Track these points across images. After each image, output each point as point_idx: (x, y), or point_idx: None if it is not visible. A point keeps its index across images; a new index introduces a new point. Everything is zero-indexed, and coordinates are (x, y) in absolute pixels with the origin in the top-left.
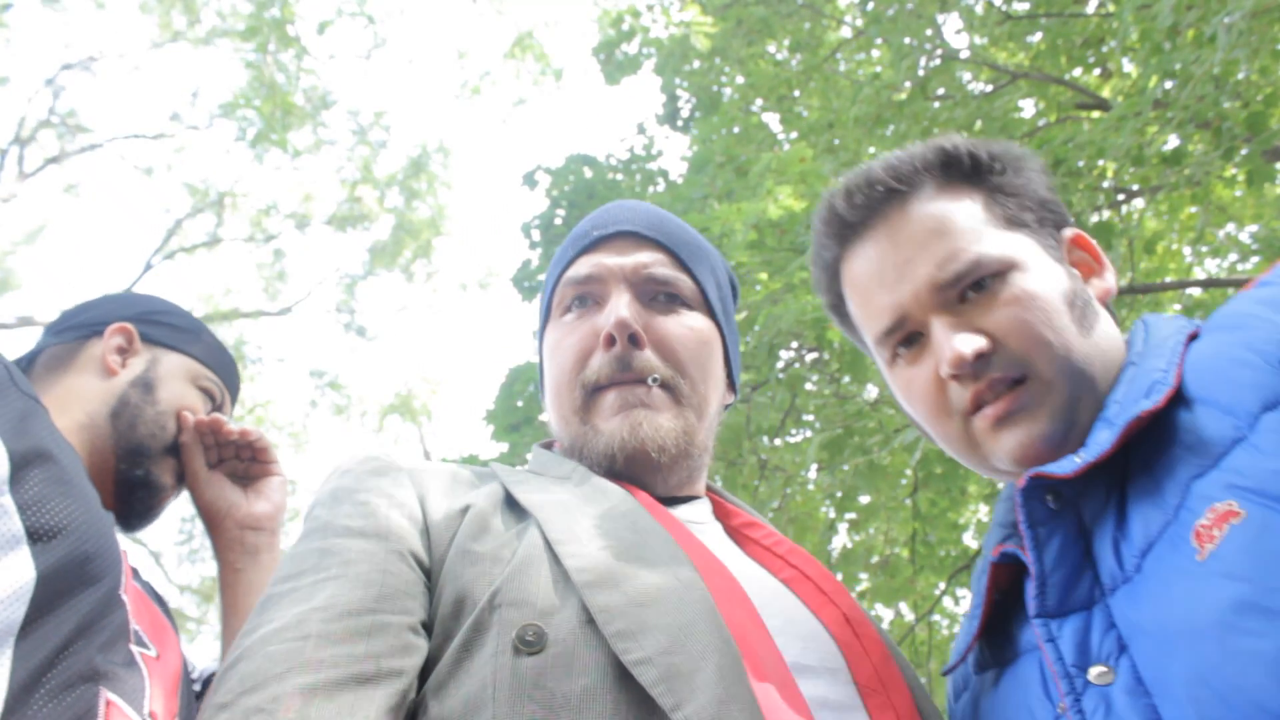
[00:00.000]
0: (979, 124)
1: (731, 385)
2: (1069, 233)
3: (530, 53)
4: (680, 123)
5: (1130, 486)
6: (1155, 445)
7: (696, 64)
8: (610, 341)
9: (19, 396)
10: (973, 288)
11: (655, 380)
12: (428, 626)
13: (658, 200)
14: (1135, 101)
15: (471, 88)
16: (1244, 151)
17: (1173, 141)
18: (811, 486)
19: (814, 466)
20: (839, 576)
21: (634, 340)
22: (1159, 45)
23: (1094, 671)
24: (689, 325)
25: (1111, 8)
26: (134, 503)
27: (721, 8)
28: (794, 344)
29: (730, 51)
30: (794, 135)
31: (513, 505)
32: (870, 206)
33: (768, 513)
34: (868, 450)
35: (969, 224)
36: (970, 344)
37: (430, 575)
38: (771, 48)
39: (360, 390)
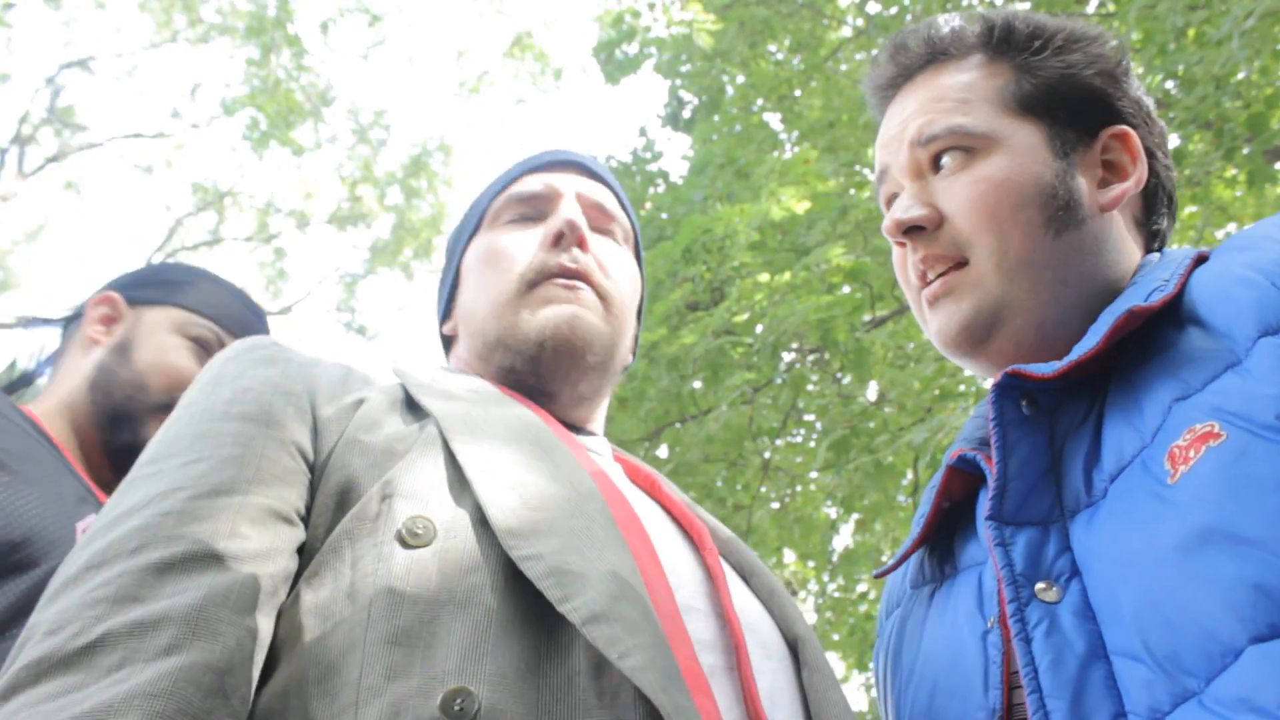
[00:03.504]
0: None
1: (634, 338)
2: (1113, 129)
3: (530, 52)
4: (681, 123)
5: (1109, 408)
6: (1142, 366)
7: (698, 64)
8: (557, 239)
9: None
10: (950, 161)
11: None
12: (304, 519)
13: (658, 201)
14: None
15: (471, 87)
16: (1245, 151)
17: (1173, 142)
18: (814, 487)
19: (816, 468)
20: (840, 578)
21: (580, 245)
22: (1164, 46)
23: (1040, 586)
24: (623, 258)
25: (1112, 7)
26: (126, 468)
27: (722, 8)
28: (796, 345)
29: (732, 52)
30: (795, 135)
31: (412, 405)
32: (904, 69)
33: (770, 513)
34: (874, 449)
35: (971, 95)
36: (906, 212)
37: (314, 470)
38: (772, 47)
39: None
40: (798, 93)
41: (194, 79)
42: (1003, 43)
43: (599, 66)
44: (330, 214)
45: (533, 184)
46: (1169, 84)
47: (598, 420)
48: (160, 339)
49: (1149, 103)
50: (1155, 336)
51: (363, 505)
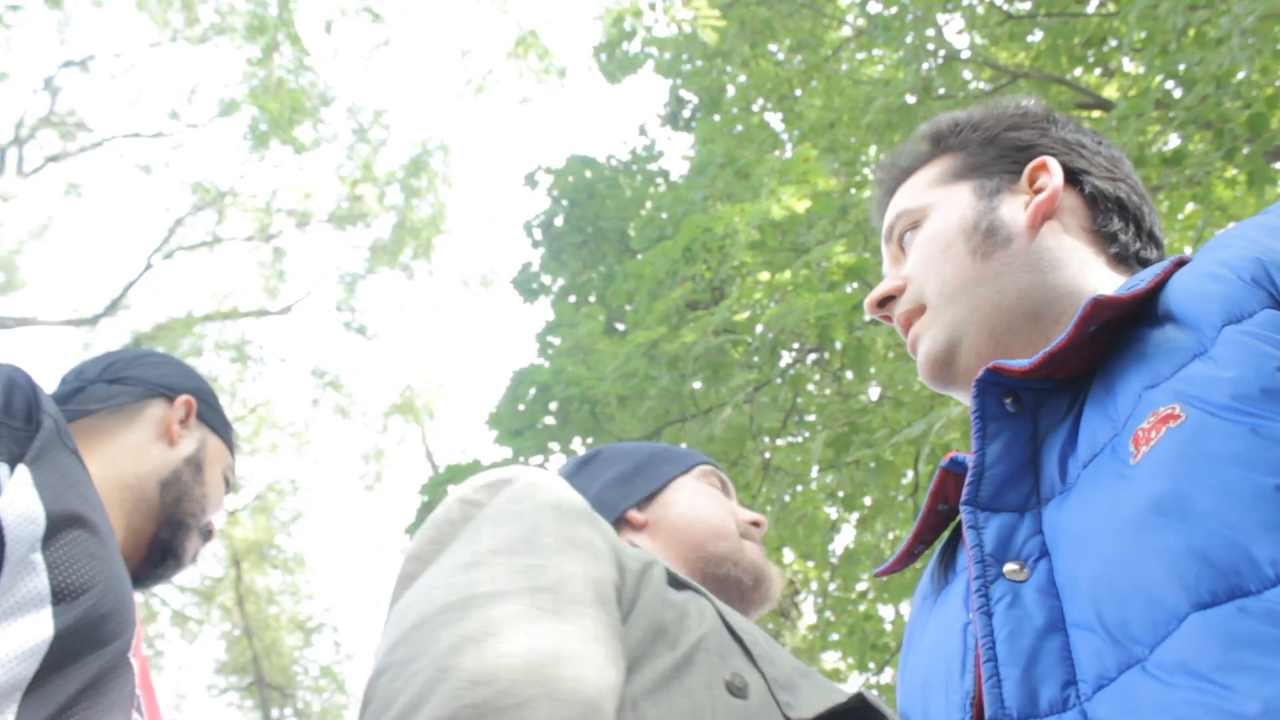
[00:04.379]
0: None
1: None
2: (1035, 162)
3: (533, 51)
4: (681, 123)
5: (1089, 402)
6: (1121, 359)
7: (699, 63)
8: (754, 525)
9: (64, 454)
10: (908, 245)
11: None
12: None
13: (658, 201)
14: (1138, 102)
15: (475, 86)
16: (1245, 151)
17: (1174, 142)
18: (815, 486)
19: (816, 466)
20: (840, 578)
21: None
22: (1165, 46)
23: (1009, 567)
24: None
25: (1112, 7)
26: (160, 568)
27: (724, 7)
28: (796, 344)
29: (733, 52)
30: (795, 135)
31: (675, 582)
32: (884, 191)
33: (771, 513)
34: (873, 446)
35: (921, 182)
36: (877, 289)
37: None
38: (773, 47)
39: (362, 390)
40: (798, 92)
41: (194, 78)
42: (941, 141)
43: (599, 66)
44: (330, 213)
45: (711, 477)
46: (1169, 84)
47: None
48: (217, 472)
49: (1086, 138)
50: (1134, 335)
51: (688, 650)
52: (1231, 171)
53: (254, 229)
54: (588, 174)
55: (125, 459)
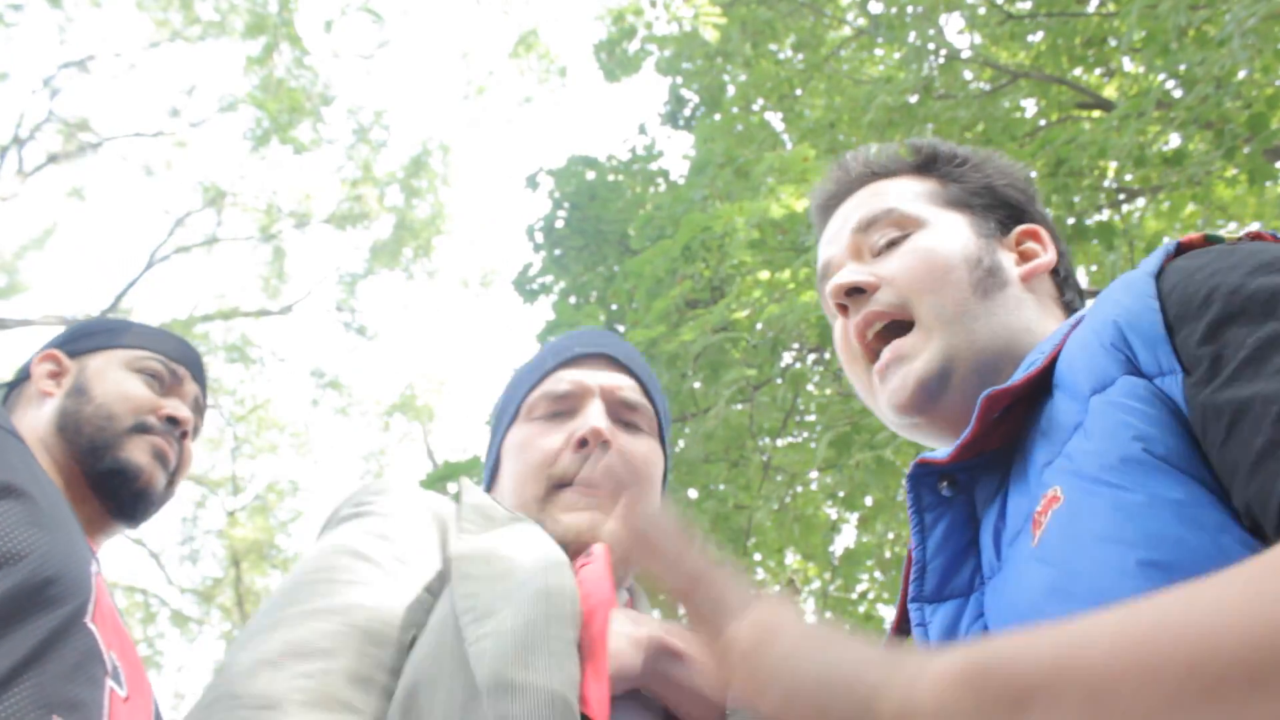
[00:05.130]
0: (981, 124)
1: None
2: (1023, 226)
3: (534, 51)
4: (682, 122)
5: (1012, 478)
6: (1031, 434)
7: (699, 62)
8: (581, 444)
9: None
10: (886, 245)
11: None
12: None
13: (658, 201)
14: (1138, 102)
15: (476, 87)
16: (1245, 151)
17: (1174, 141)
18: (815, 487)
19: (817, 467)
20: (841, 578)
21: (604, 445)
22: (1166, 46)
23: None
24: (647, 448)
25: (1112, 7)
26: (119, 493)
27: (725, 6)
28: (796, 344)
29: (734, 52)
30: (796, 135)
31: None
32: (843, 186)
33: (772, 512)
34: (875, 447)
35: (909, 191)
36: (848, 276)
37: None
38: (773, 46)
39: (362, 390)
40: (798, 92)
41: (194, 78)
42: (929, 162)
43: (600, 65)
44: (330, 214)
45: (562, 383)
46: (1170, 83)
47: (625, 581)
48: (113, 374)
49: (1052, 225)
50: (1038, 405)
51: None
52: (1232, 171)
53: (254, 229)
54: (589, 174)
55: (31, 430)
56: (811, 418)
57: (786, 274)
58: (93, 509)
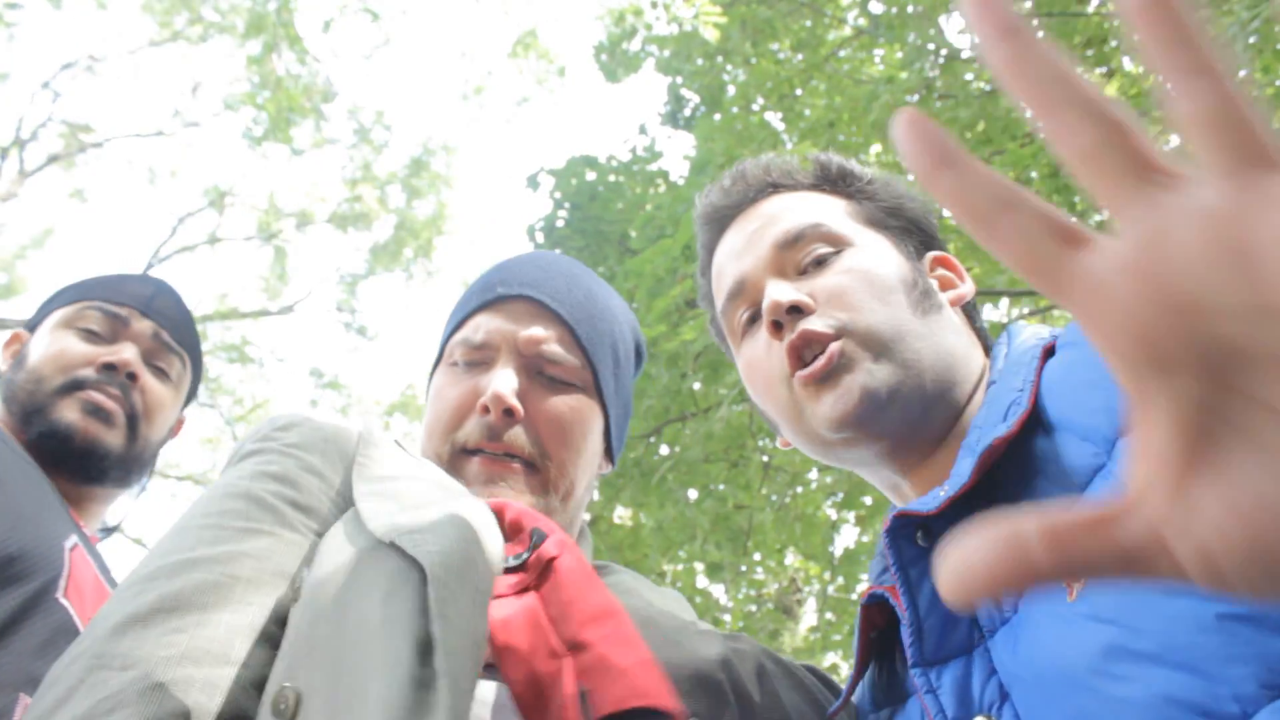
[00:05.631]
0: (981, 124)
1: (609, 457)
2: (934, 254)
3: (533, 50)
4: (682, 122)
5: None
6: (1021, 475)
7: (698, 62)
8: (485, 409)
9: None
10: (813, 264)
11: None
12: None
13: (659, 201)
14: (1139, 102)
15: (476, 87)
16: None
17: (1174, 142)
18: (815, 487)
19: (816, 467)
20: (840, 578)
21: (509, 414)
22: None
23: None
24: (570, 406)
25: (1113, 7)
26: (63, 457)
27: (726, 6)
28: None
29: (734, 52)
30: (796, 135)
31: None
32: (744, 195)
33: (771, 513)
34: None
35: (825, 207)
36: (786, 293)
37: None
38: (773, 46)
39: (362, 390)
40: (798, 92)
41: (195, 77)
42: (834, 179)
43: (600, 65)
44: (331, 214)
45: (478, 332)
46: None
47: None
48: (47, 337)
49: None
50: (1027, 448)
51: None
52: None
53: (254, 229)
54: (589, 174)
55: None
56: None
57: None
58: (58, 479)
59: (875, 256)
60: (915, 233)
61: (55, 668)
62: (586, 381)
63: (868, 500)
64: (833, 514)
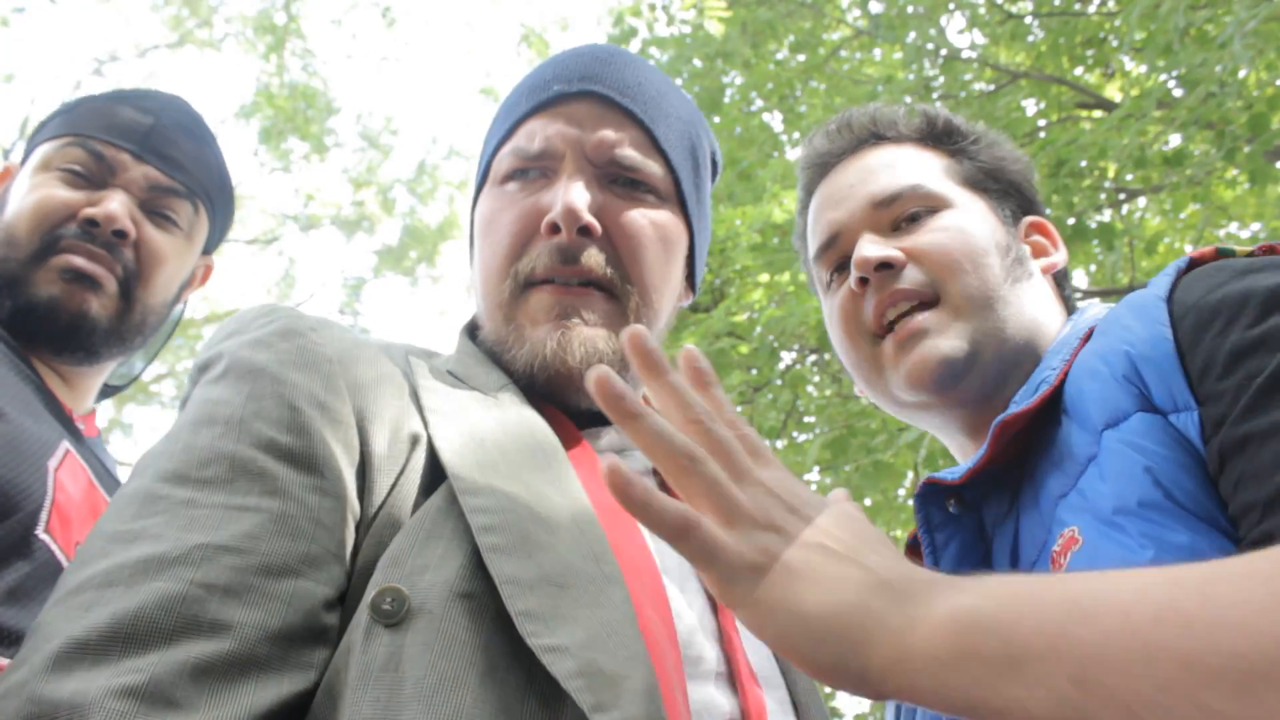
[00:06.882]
0: (981, 124)
1: (691, 285)
2: (1030, 218)
3: (537, 51)
4: None
5: (1022, 502)
6: (1041, 457)
7: (698, 64)
8: (554, 229)
9: None
10: (908, 220)
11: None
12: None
13: None
14: (1139, 102)
15: (481, 89)
16: (1246, 151)
17: (1175, 141)
18: (814, 488)
19: (816, 468)
20: None
21: (584, 232)
22: (1167, 46)
23: None
24: (652, 221)
25: (1113, 6)
26: (48, 335)
27: (727, 6)
28: (796, 346)
29: (734, 53)
30: (796, 136)
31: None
32: (848, 143)
33: None
34: (872, 450)
35: (925, 165)
36: (877, 250)
37: (359, 528)
38: (772, 46)
39: None
40: (798, 92)
41: (203, 80)
42: (939, 134)
43: None
44: (336, 217)
45: (535, 140)
46: (1171, 84)
47: None
48: (25, 183)
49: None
50: (1048, 427)
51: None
52: (1233, 172)
53: (259, 232)
54: None
55: None
56: (811, 419)
57: (786, 277)
58: (40, 355)
59: (971, 218)
60: (1014, 196)
61: None
62: (669, 190)
63: (868, 501)
64: None
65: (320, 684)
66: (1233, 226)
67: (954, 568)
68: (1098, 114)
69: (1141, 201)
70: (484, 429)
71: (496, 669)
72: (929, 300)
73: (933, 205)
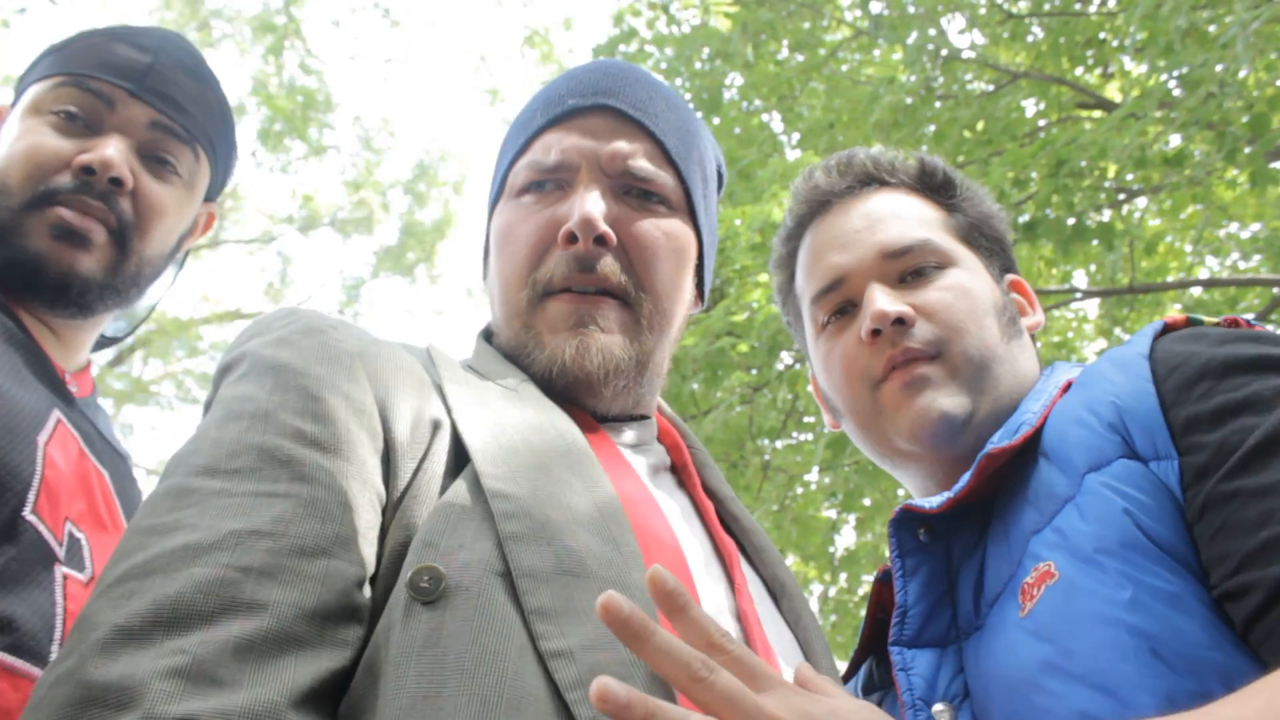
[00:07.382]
0: (981, 124)
1: (700, 294)
2: (1010, 277)
3: (538, 51)
4: None
5: (990, 536)
6: (1013, 494)
7: (698, 65)
8: (571, 239)
9: None
10: (914, 273)
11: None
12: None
13: None
14: (1140, 102)
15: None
16: (1246, 151)
17: (1175, 142)
18: (814, 487)
19: (816, 468)
20: (843, 577)
21: (600, 241)
22: (1168, 46)
23: (937, 708)
24: (665, 231)
25: (1114, 5)
26: (38, 290)
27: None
28: (796, 345)
29: (734, 54)
30: (796, 136)
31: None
32: (848, 183)
33: (770, 513)
34: None
35: (927, 218)
36: (895, 305)
37: (385, 510)
38: (772, 47)
39: None
40: (798, 92)
41: None
42: (937, 185)
43: None
44: (334, 218)
45: (551, 152)
46: (1171, 84)
47: (648, 403)
48: (16, 127)
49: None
50: (1023, 468)
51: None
52: (1233, 172)
53: (257, 232)
54: None
55: None
56: (810, 419)
57: None
58: (31, 308)
59: (974, 278)
60: (999, 254)
61: (37, 690)
62: (680, 201)
63: (867, 501)
64: (832, 515)
65: (359, 662)
66: (1233, 227)
67: (921, 594)
68: (1098, 114)
69: (1141, 201)
70: (506, 417)
71: (533, 643)
72: (932, 356)
73: (941, 262)
